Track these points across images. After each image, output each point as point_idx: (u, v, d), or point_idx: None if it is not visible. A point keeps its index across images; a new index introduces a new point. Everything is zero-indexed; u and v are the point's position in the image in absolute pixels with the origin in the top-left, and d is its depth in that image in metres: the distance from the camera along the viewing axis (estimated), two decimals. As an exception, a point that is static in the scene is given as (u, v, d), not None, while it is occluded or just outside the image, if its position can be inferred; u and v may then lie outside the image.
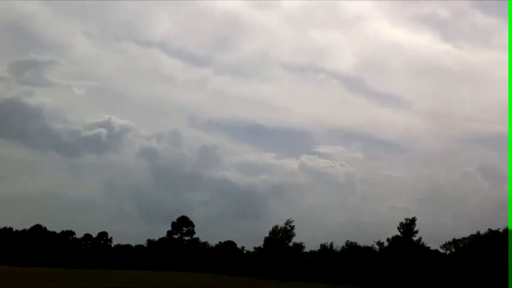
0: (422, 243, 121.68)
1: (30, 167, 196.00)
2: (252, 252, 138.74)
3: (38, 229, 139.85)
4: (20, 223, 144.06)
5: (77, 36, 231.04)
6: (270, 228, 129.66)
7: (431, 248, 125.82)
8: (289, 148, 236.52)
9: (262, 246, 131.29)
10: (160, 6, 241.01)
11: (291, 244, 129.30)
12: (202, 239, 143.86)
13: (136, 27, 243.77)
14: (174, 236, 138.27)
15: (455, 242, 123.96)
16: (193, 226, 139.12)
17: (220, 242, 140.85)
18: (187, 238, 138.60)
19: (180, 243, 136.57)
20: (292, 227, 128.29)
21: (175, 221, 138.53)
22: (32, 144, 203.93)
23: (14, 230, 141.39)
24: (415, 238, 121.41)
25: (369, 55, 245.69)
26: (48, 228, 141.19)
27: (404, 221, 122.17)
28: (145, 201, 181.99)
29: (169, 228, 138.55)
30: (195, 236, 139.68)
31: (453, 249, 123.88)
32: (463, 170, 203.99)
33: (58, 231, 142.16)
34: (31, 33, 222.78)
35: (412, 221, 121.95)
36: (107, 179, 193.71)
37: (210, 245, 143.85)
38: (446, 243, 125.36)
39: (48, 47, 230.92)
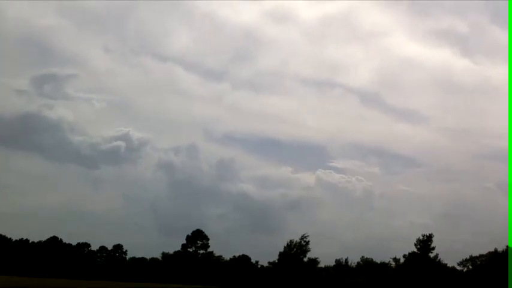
0: (439, 260, 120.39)
1: (48, 179, 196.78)
2: (267, 266, 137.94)
3: (54, 241, 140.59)
4: (37, 235, 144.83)
5: (96, 51, 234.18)
6: (285, 243, 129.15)
7: (448, 265, 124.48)
8: (306, 162, 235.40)
9: (276, 261, 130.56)
10: (178, 21, 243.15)
11: (305, 259, 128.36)
12: (217, 253, 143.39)
13: (154, 42, 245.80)
14: (188, 249, 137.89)
15: (472, 259, 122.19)
16: (208, 239, 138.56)
17: (234, 256, 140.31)
18: (201, 251, 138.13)
19: (194, 257, 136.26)
20: (307, 242, 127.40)
21: (189, 234, 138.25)
22: (51, 157, 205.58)
23: (30, 241, 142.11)
24: (431, 254, 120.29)
25: (386, 70, 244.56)
26: (64, 240, 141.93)
27: (421, 237, 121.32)
28: (161, 214, 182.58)
29: (184, 241, 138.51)
30: (209, 249, 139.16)
31: (470, 267, 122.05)
32: (482, 186, 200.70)
33: (74, 243, 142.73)
34: (52, 47, 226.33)
35: (429, 237, 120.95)
36: (125, 191, 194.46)
37: (225, 259, 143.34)
38: (463, 260, 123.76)
39: (68, 61, 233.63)
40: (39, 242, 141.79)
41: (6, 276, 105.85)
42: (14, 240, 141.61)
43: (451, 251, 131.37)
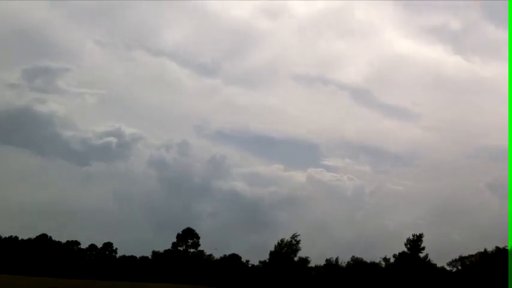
0: (429, 260, 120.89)
1: (38, 175, 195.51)
2: (257, 265, 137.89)
3: (43, 238, 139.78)
4: (26, 232, 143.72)
5: (88, 44, 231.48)
6: (276, 242, 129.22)
7: (437, 265, 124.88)
8: (297, 160, 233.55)
9: (267, 260, 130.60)
10: (171, 16, 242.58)
11: (296, 259, 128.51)
12: (208, 252, 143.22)
13: (147, 36, 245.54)
14: (179, 247, 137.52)
15: (462, 259, 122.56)
16: (198, 238, 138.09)
17: (225, 255, 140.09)
18: (192, 250, 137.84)
19: (184, 256, 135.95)
20: (298, 241, 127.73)
21: (180, 232, 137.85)
22: (41, 152, 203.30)
23: (19, 239, 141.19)
24: (421, 254, 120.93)
25: (378, 66, 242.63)
26: (54, 238, 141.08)
27: (411, 237, 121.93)
28: (152, 212, 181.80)
29: (175, 239, 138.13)
30: (200, 248, 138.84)
31: (460, 267, 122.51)
32: (472, 185, 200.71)
33: (63, 241, 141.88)
34: (44, 41, 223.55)
35: (419, 237, 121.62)
36: (115, 188, 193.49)
37: (215, 258, 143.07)
38: (452, 260, 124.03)
39: (61, 55, 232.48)
40: (29, 240, 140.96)
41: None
42: (3, 237, 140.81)
43: (441, 251, 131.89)
